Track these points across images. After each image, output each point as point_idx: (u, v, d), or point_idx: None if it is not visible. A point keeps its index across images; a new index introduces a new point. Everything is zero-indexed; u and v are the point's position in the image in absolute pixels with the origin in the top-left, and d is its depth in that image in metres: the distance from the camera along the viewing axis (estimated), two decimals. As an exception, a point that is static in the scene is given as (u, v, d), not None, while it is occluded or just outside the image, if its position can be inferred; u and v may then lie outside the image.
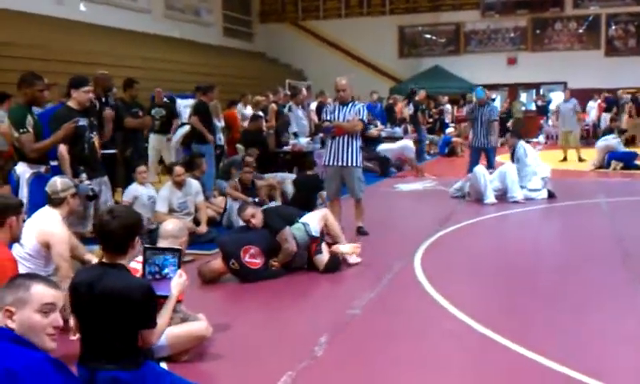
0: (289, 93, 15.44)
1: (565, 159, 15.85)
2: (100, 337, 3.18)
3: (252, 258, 5.90)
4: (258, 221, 6.09)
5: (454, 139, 18.69)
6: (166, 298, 3.53)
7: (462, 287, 5.69)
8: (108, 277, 3.20)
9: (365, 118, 7.85)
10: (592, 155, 15.22)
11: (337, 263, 6.20)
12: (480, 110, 11.43)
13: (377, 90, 19.35)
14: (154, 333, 3.32)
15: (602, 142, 14.45)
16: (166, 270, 3.61)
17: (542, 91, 25.34)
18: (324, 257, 6.13)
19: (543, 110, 23.88)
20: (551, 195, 10.25)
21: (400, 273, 6.10)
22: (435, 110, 20.92)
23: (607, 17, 24.27)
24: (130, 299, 3.15)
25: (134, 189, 7.44)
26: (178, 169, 7.50)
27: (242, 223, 6.42)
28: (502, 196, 9.97)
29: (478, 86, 12.81)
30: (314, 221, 6.25)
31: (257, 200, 8.48)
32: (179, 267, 3.65)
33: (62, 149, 5.89)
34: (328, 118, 7.75)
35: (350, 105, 7.71)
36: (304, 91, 14.58)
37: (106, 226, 3.27)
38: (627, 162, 13.97)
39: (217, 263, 5.95)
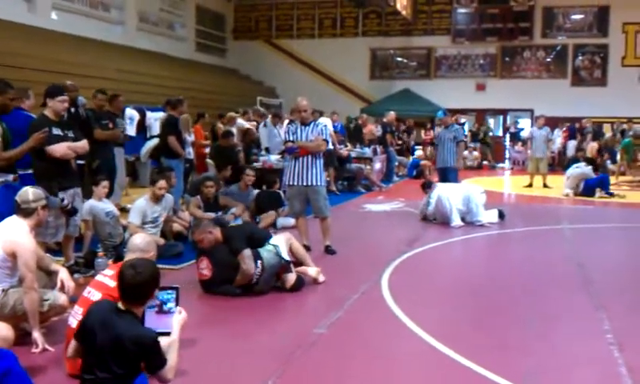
0: (261, 110, 15.57)
1: (530, 185, 16.11)
2: (98, 375, 3.29)
3: (202, 268, 5.93)
4: (207, 243, 6.02)
5: (423, 162, 18.89)
6: (166, 334, 3.55)
7: (427, 308, 5.75)
8: (121, 323, 3.32)
9: (328, 137, 7.94)
10: (556, 182, 15.50)
11: (302, 282, 6.20)
12: (443, 132, 11.80)
13: (348, 110, 19.51)
14: (169, 370, 3.40)
15: (577, 170, 14.59)
16: (169, 305, 3.63)
17: (508, 117, 25.79)
18: (292, 276, 6.13)
19: (515, 137, 24.18)
20: (502, 216, 10.40)
21: (367, 293, 6.14)
22: (410, 134, 21.18)
23: (574, 47, 24.83)
24: (139, 348, 3.28)
25: (91, 205, 7.11)
26: (162, 182, 7.38)
27: None
28: (467, 218, 10.05)
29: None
30: (282, 244, 6.24)
31: (219, 215, 8.48)
32: (177, 304, 3.67)
33: (58, 150, 5.86)
34: (290, 138, 7.78)
35: (312, 124, 7.79)
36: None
37: (131, 280, 3.37)
38: (604, 187, 14.28)
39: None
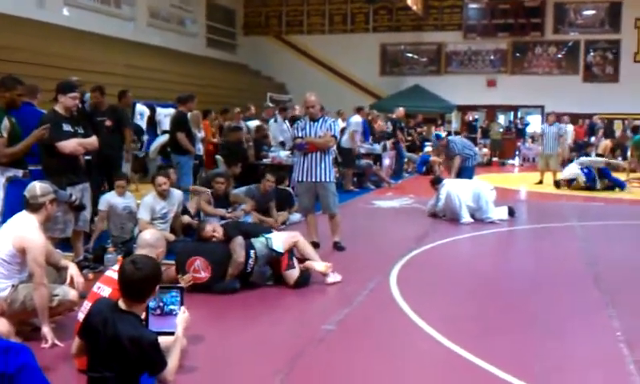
0: (271, 105, 15.59)
1: (541, 182, 16.05)
2: (104, 374, 3.25)
3: (196, 271, 5.80)
4: (219, 234, 6.08)
5: (432, 158, 18.81)
6: (169, 333, 3.52)
7: (436, 305, 5.73)
8: (120, 322, 3.24)
9: (336, 133, 7.91)
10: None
11: (307, 278, 6.19)
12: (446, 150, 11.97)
13: (358, 105, 19.44)
14: (169, 372, 3.33)
15: (592, 158, 15.22)
16: (171, 307, 3.59)
17: (519, 114, 25.69)
18: (295, 272, 6.11)
19: (521, 133, 24.18)
20: (512, 213, 10.37)
21: (376, 289, 6.13)
22: (419, 128, 21.10)
23: (586, 43, 24.71)
24: (138, 349, 3.19)
25: (110, 197, 7.43)
26: (160, 179, 7.41)
27: None
28: (477, 215, 10.01)
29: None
30: (279, 239, 6.23)
31: (229, 211, 8.49)
32: (182, 304, 3.64)
33: (67, 146, 5.92)
34: (299, 134, 7.76)
35: (321, 120, 7.74)
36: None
37: (130, 276, 3.29)
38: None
39: (172, 271, 5.84)
